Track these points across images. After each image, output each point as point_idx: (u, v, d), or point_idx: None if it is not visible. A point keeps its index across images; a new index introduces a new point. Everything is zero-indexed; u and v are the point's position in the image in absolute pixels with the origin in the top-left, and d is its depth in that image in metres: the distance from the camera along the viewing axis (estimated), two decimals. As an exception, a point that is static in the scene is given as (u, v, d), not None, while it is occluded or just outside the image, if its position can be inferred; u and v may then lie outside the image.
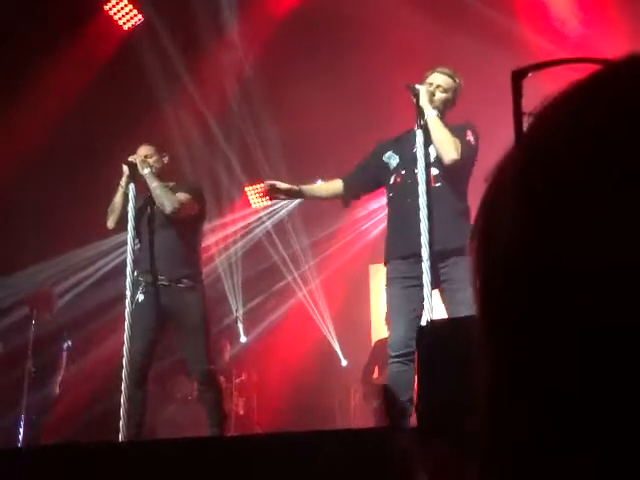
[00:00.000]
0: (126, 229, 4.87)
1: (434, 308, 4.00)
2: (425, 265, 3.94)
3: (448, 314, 4.04)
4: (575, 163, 0.44)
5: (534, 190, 0.46)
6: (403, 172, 4.26)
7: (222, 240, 8.80)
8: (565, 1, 6.86)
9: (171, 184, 5.04)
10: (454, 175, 4.16)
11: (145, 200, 4.98)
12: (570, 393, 0.42)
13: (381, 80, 6.55)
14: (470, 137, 4.21)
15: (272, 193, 4.48)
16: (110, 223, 5.03)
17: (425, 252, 3.95)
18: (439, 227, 4.02)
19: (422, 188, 4.06)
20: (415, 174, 4.15)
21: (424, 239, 3.97)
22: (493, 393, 0.47)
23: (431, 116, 4.16)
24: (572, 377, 0.42)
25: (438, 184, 4.17)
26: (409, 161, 4.24)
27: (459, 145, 4.12)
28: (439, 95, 4.30)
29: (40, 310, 6.80)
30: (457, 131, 4.22)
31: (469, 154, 4.16)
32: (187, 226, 4.97)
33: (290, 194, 4.56)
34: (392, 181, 4.32)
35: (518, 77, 0.48)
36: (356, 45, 7.10)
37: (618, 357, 0.40)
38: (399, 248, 4.17)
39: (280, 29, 7.54)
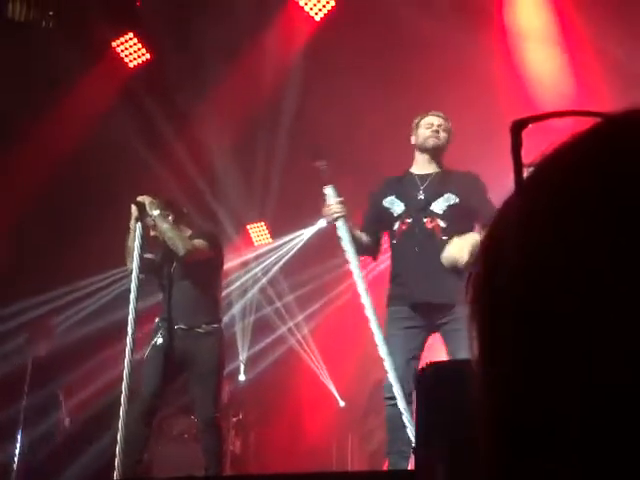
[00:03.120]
0: (146, 270, 4.91)
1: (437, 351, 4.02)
2: (373, 325, 4.02)
3: (450, 353, 4.02)
4: (578, 216, 0.46)
5: (537, 240, 0.48)
6: (409, 220, 4.24)
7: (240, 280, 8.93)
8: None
9: (188, 233, 5.05)
10: (462, 230, 4.13)
11: (164, 252, 5.00)
12: (568, 415, 0.43)
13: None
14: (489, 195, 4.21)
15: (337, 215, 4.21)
16: (129, 264, 4.98)
17: (375, 329, 4.05)
18: (444, 281, 3.98)
19: (346, 238, 4.13)
20: (423, 223, 4.17)
21: (373, 325, 4.07)
22: (494, 421, 0.48)
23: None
24: (571, 401, 0.43)
25: (445, 237, 4.14)
26: (416, 210, 4.23)
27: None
28: (442, 133, 4.37)
29: (38, 339, 6.79)
30: (475, 188, 4.23)
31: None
32: (205, 275, 4.99)
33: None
34: (396, 227, 4.28)
35: (518, 127, 0.50)
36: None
37: (618, 384, 0.42)
38: (404, 296, 4.17)
39: (291, 64, 7.61)
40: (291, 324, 8.87)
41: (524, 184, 0.52)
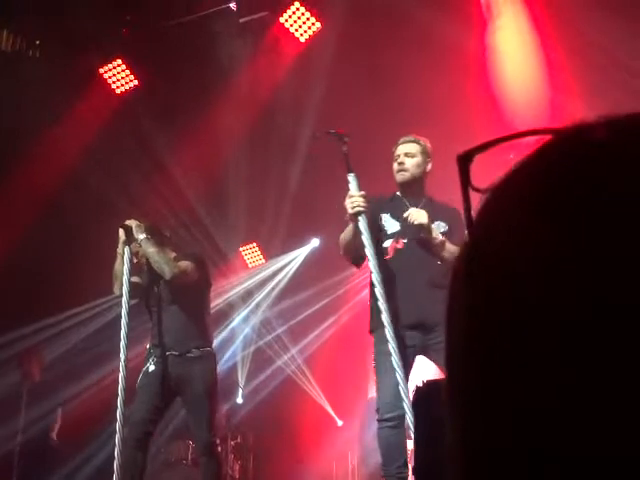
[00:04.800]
0: (134, 296, 4.86)
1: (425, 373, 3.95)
2: (389, 334, 3.85)
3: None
4: (530, 246, 0.47)
5: (493, 276, 0.48)
6: (405, 240, 4.19)
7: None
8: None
9: (172, 255, 5.03)
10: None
11: (150, 277, 4.98)
12: (542, 409, 0.45)
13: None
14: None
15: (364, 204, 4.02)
16: (116, 290, 4.97)
17: (386, 322, 3.87)
18: (438, 300, 3.87)
19: (366, 237, 3.92)
20: (417, 246, 4.12)
21: (384, 317, 3.88)
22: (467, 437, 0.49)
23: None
24: (546, 393, 0.45)
25: (439, 262, 4.11)
26: (412, 231, 4.16)
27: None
28: (410, 161, 4.26)
29: (30, 370, 6.75)
30: (454, 219, 4.17)
31: None
32: (193, 298, 4.97)
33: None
34: (389, 244, 4.22)
35: (464, 161, 0.50)
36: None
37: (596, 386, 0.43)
38: (396, 316, 4.00)
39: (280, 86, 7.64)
40: (287, 354, 8.90)
41: (476, 217, 0.52)
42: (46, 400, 6.74)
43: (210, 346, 5.02)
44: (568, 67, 6.58)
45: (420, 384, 3.72)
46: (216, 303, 8.35)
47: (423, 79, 6.56)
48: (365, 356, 9.00)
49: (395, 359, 3.81)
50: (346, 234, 4.14)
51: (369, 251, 3.91)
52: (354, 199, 3.93)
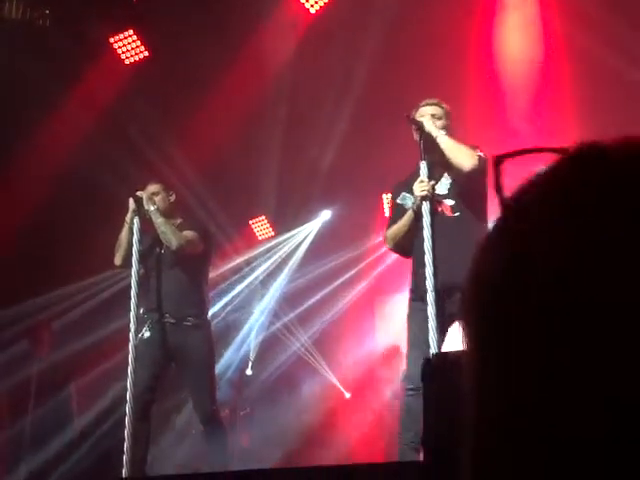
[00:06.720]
0: (130, 264, 4.83)
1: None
2: (430, 297, 3.91)
3: None
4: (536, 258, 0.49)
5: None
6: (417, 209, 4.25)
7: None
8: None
9: (178, 222, 5.05)
10: (470, 202, 4.15)
11: (153, 239, 5.00)
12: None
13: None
14: (480, 152, 4.18)
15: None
16: (117, 260, 5.01)
17: (430, 284, 3.92)
18: (454, 259, 3.81)
19: (427, 220, 4.06)
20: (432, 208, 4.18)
21: (428, 271, 3.95)
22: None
23: (441, 135, 4.17)
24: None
25: (457, 214, 4.18)
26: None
27: (475, 154, 4.10)
28: (437, 123, 4.29)
29: (39, 344, 6.78)
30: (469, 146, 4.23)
31: (483, 167, 4.10)
32: (194, 265, 4.98)
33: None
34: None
35: (497, 163, 0.54)
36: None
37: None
38: (419, 283, 4.15)
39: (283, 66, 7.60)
40: (295, 331, 8.94)
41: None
42: (57, 374, 6.78)
43: (206, 316, 5.04)
44: (567, 54, 6.61)
45: (428, 357, 3.73)
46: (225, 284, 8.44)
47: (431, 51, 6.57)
48: (373, 328, 9.04)
49: (432, 324, 3.87)
50: (400, 227, 4.31)
51: (426, 235, 4.05)
52: (424, 185, 4.14)
